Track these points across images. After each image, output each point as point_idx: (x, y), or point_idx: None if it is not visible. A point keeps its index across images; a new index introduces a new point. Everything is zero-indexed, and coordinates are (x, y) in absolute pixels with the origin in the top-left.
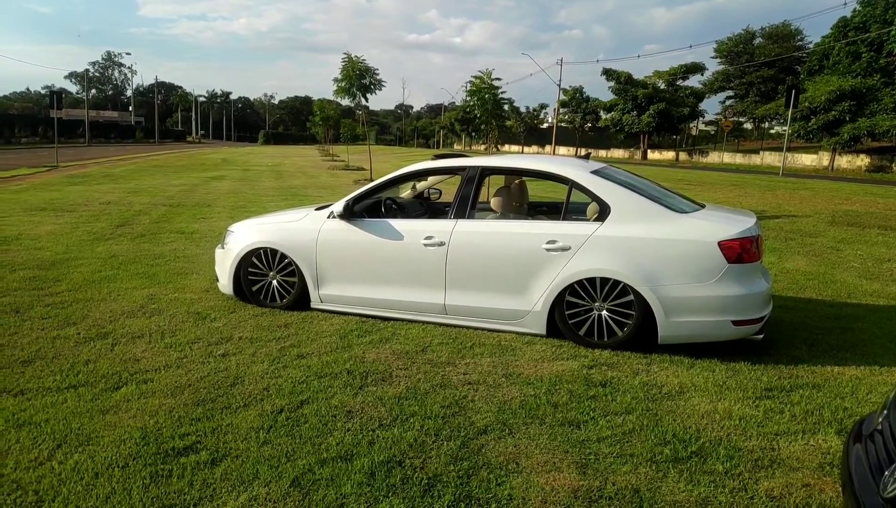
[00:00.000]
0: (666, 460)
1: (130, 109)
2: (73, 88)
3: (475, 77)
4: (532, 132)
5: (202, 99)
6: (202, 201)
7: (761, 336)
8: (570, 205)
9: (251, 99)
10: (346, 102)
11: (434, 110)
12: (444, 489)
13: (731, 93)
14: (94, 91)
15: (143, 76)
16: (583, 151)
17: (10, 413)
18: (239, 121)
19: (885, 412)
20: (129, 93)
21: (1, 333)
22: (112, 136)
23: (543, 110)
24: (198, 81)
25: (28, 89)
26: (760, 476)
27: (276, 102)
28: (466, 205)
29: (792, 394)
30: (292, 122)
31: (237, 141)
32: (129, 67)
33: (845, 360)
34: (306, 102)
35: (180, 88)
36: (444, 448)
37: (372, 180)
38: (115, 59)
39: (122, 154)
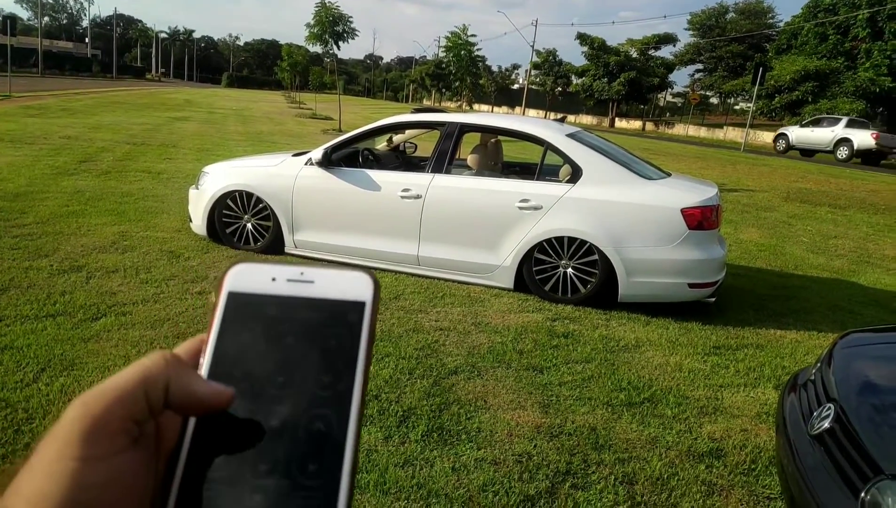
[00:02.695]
0: (621, 404)
1: (87, 40)
2: (24, 13)
3: (451, 33)
4: (503, 92)
5: (164, 35)
6: (167, 142)
7: (713, 300)
8: (543, 166)
9: (215, 39)
10: (316, 48)
11: (404, 63)
12: (418, 420)
13: (700, 66)
14: (46, 19)
15: (101, 7)
16: (553, 115)
17: None
18: (202, 61)
19: (819, 365)
20: (85, 23)
21: None
22: (67, 67)
23: (515, 71)
24: (160, 16)
25: None
26: (704, 421)
27: (241, 43)
28: (444, 160)
29: (737, 352)
30: (257, 65)
31: (199, 82)
32: None
33: (787, 325)
34: (273, 45)
35: (140, 22)
36: (417, 385)
37: (340, 131)
38: None
39: (79, 88)
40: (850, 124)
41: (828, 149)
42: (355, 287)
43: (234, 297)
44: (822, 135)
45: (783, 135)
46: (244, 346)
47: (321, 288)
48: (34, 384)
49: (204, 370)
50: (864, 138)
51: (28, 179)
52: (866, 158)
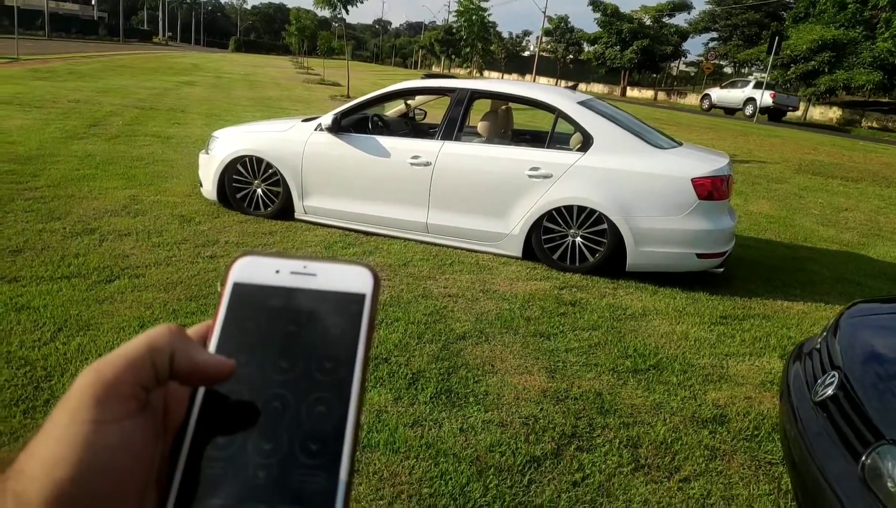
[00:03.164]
0: (626, 370)
1: (93, 2)
2: None
3: None
4: (513, 59)
5: None
6: (175, 106)
7: (721, 270)
8: (554, 134)
9: (222, 2)
10: (324, 13)
11: (414, 29)
12: (427, 383)
13: (714, 35)
14: None
15: None
16: (564, 83)
17: (7, 298)
18: (208, 25)
19: (825, 334)
20: None
21: None
22: (73, 30)
23: (526, 38)
24: None
25: None
26: (709, 388)
27: (248, 7)
28: (454, 127)
29: (744, 322)
30: (265, 30)
31: (206, 46)
32: None
33: (795, 296)
34: (280, 9)
35: None
36: (426, 349)
37: (349, 97)
38: None
39: (86, 51)
40: (756, 86)
41: (739, 107)
42: (356, 281)
43: (239, 287)
44: (735, 95)
45: (707, 95)
46: (248, 333)
47: (323, 281)
48: (52, 344)
49: (210, 351)
50: (765, 98)
51: (39, 143)
52: (770, 114)
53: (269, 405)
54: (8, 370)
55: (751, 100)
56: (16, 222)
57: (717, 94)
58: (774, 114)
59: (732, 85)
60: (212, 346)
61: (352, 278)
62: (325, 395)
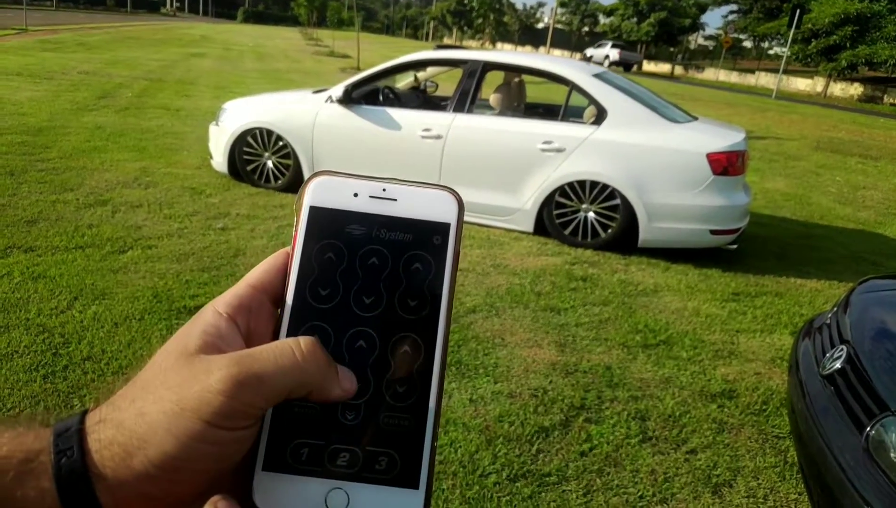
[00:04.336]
0: (636, 345)
1: None
2: None
3: None
4: (527, 31)
5: None
6: (184, 79)
7: (735, 247)
8: (568, 107)
9: None
10: None
11: None
12: None
13: (734, 7)
14: None
15: None
16: (578, 56)
17: (25, 267)
18: None
19: (835, 309)
20: None
21: (0, 193)
22: (81, 0)
23: (540, 9)
24: None
25: None
26: (719, 364)
27: None
28: (466, 100)
29: (756, 299)
30: (273, 0)
31: (214, 17)
32: None
33: (808, 274)
34: None
35: None
36: None
37: (359, 69)
38: None
39: (94, 22)
40: (613, 46)
41: (601, 62)
42: (439, 207)
43: (315, 211)
44: (601, 52)
45: (589, 57)
46: (329, 264)
47: (404, 207)
48: (68, 312)
49: (290, 285)
50: (614, 54)
51: (49, 115)
52: (624, 66)
53: (354, 344)
54: (27, 336)
55: (607, 56)
56: (30, 193)
57: (592, 52)
58: (623, 65)
59: (600, 46)
60: (291, 280)
61: (435, 205)
62: (410, 335)
